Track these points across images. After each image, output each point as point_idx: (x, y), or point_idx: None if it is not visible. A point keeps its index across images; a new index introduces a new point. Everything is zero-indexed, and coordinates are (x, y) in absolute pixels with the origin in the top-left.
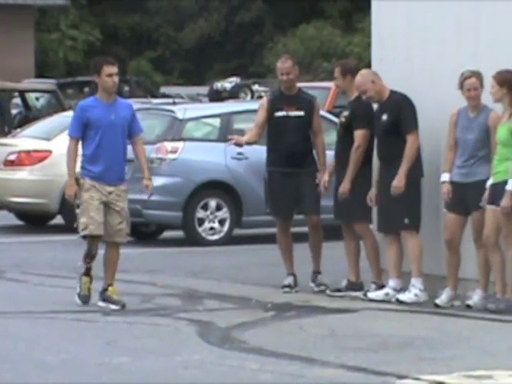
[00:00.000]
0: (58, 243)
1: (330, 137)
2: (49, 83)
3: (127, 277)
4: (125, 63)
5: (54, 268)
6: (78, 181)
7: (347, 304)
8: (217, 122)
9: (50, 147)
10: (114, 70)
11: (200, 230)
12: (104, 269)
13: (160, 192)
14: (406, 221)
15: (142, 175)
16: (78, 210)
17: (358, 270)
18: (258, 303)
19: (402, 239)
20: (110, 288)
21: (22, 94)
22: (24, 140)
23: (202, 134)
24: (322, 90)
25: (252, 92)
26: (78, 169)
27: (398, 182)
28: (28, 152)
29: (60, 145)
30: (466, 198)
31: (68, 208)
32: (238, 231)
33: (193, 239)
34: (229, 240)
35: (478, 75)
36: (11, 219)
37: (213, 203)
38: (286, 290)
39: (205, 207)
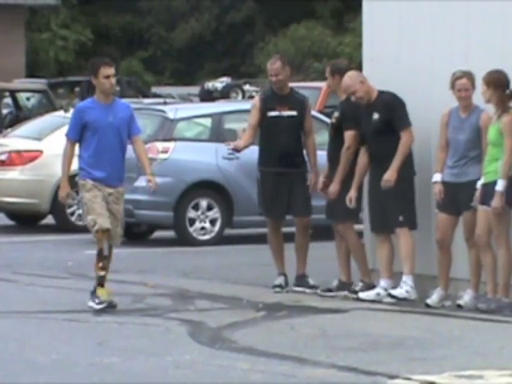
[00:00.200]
0: (48, 243)
1: (321, 137)
2: (40, 83)
3: (118, 277)
4: (116, 63)
5: (44, 268)
6: (72, 180)
7: (338, 304)
8: (208, 121)
9: (40, 147)
10: (112, 71)
11: (191, 229)
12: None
13: (151, 192)
14: (401, 218)
15: (143, 173)
16: (79, 210)
17: (348, 270)
18: (249, 303)
19: (393, 239)
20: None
21: (12, 93)
22: (15, 140)
23: (193, 134)
24: (313, 90)
25: (243, 92)
26: (75, 167)
27: (390, 176)
28: (19, 152)
29: (51, 145)
30: (457, 198)
31: (59, 208)
32: (229, 231)
33: (184, 239)
34: (220, 240)
35: (469, 76)
36: (2, 219)
37: (204, 203)
38: (277, 289)
39: (196, 207)
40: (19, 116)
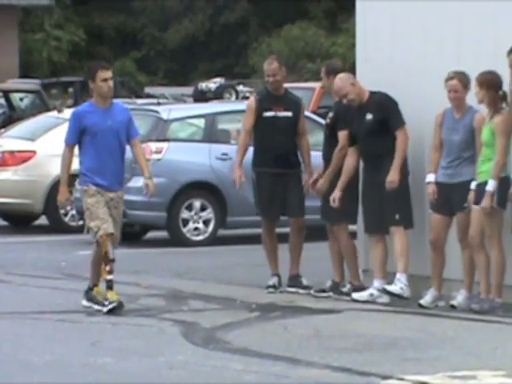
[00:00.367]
0: (42, 244)
1: (315, 137)
2: (33, 83)
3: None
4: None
5: (38, 268)
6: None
7: (332, 304)
8: (201, 122)
9: (34, 147)
10: (109, 74)
11: (184, 230)
12: (91, 269)
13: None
14: (397, 216)
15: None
16: (85, 215)
17: (342, 271)
18: (243, 304)
19: (386, 240)
20: (96, 288)
21: (6, 94)
22: (8, 140)
23: (186, 134)
24: (307, 91)
25: (237, 92)
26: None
27: (393, 177)
28: (12, 152)
29: (44, 145)
30: (450, 199)
31: (52, 208)
32: (222, 232)
33: (177, 240)
34: (213, 240)
35: (460, 77)
36: None
37: (197, 204)
38: (271, 290)
39: (189, 208)
40: (12, 116)
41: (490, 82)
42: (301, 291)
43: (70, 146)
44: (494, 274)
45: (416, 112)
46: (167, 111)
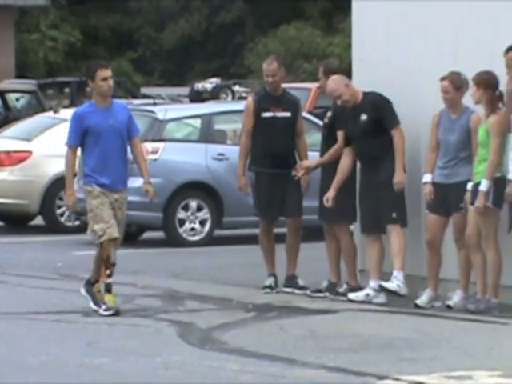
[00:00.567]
0: (38, 244)
1: (311, 138)
2: (29, 84)
3: None
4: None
5: (34, 269)
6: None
7: (328, 305)
8: (197, 122)
9: (30, 148)
10: (109, 73)
11: (181, 230)
12: (94, 266)
13: (140, 193)
14: (394, 215)
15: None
16: (88, 217)
17: (338, 271)
18: (239, 304)
19: (382, 239)
20: (96, 285)
21: (2, 94)
22: (4, 141)
23: (182, 134)
24: (303, 91)
25: (233, 93)
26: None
27: (399, 178)
28: (8, 152)
29: (40, 145)
30: (447, 199)
31: (48, 209)
32: (218, 232)
33: (173, 240)
34: (209, 241)
35: (452, 78)
36: None
37: (193, 204)
38: (267, 290)
39: (185, 208)
40: (8, 117)
41: (488, 82)
42: (297, 292)
43: (73, 148)
44: (490, 274)
45: (412, 112)
46: (163, 111)
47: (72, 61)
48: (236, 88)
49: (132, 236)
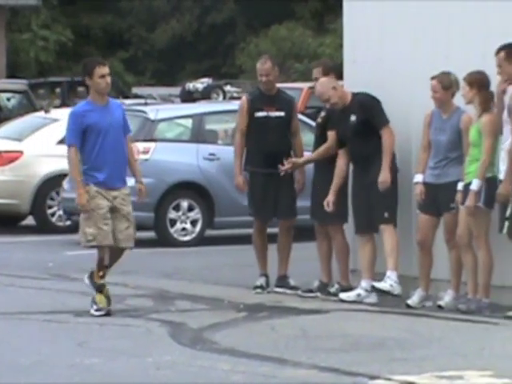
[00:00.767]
0: (29, 244)
1: (302, 138)
2: (20, 83)
3: None
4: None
5: (25, 269)
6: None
7: (319, 305)
8: (189, 122)
9: (21, 148)
10: (106, 70)
11: (172, 230)
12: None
13: (132, 192)
14: (386, 215)
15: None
16: (80, 218)
17: (330, 271)
18: (230, 304)
19: (375, 239)
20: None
21: None
22: None
23: (173, 134)
24: (294, 91)
25: (224, 93)
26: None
27: (384, 177)
28: None
29: (31, 145)
30: (437, 199)
31: (39, 209)
32: (209, 232)
33: (165, 240)
34: (201, 241)
35: (441, 78)
36: None
37: (185, 204)
38: (258, 290)
39: (177, 208)
40: None
41: (481, 82)
42: (288, 292)
43: (74, 146)
44: (481, 274)
45: (405, 112)
46: (154, 111)
47: (63, 61)
48: (227, 88)
49: None
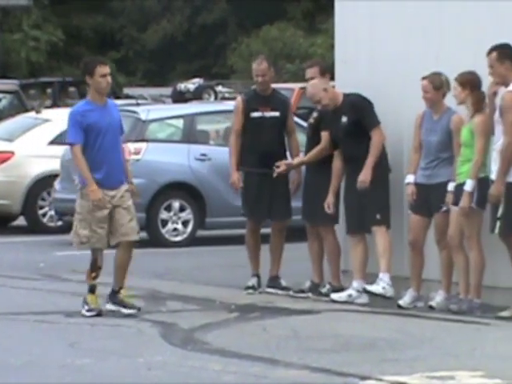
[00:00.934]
0: (20, 244)
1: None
2: (11, 84)
3: None
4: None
5: (16, 269)
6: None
7: (310, 305)
8: (180, 123)
9: (12, 148)
10: (107, 69)
11: (163, 231)
12: (115, 271)
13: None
14: (378, 216)
15: None
16: (74, 218)
17: (321, 272)
18: (222, 304)
19: (367, 240)
20: (122, 291)
21: None
22: None
23: (165, 135)
24: (285, 91)
25: (215, 93)
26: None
27: (364, 176)
28: None
29: (22, 146)
30: (428, 200)
31: (30, 209)
32: (201, 232)
33: (156, 240)
34: (192, 241)
35: (432, 78)
36: None
37: (176, 204)
38: (250, 291)
39: (168, 208)
40: None
41: (473, 82)
42: (280, 292)
43: (78, 145)
44: (472, 274)
45: (396, 113)
46: (146, 112)
47: (54, 61)
48: (219, 88)
49: None
